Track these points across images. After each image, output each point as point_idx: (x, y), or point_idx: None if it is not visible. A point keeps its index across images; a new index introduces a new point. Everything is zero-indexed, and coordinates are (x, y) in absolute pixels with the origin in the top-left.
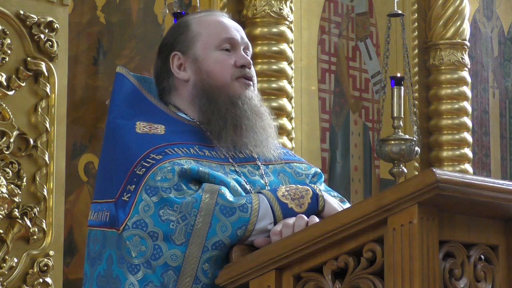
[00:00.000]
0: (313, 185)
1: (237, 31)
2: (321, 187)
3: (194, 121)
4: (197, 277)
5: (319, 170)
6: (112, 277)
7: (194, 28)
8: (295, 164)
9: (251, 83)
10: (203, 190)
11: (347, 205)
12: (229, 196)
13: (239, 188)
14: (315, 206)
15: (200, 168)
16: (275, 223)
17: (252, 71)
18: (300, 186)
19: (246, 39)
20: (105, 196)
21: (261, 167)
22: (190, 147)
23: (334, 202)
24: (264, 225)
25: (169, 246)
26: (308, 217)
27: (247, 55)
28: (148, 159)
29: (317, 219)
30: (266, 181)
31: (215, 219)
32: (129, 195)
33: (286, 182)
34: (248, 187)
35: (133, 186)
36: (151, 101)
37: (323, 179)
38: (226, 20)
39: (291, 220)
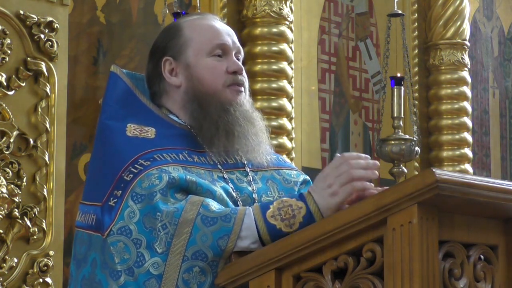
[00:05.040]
0: (311, 197)
1: (229, 36)
2: None
3: (186, 124)
4: (178, 287)
5: (308, 178)
6: (95, 281)
7: (186, 33)
8: (284, 170)
9: (243, 89)
10: (187, 201)
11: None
12: (213, 207)
13: (225, 197)
14: (308, 224)
15: (188, 177)
16: (262, 241)
17: (244, 77)
18: (294, 203)
19: (238, 44)
20: (93, 198)
21: (249, 174)
22: (180, 152)
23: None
24: (246, 244)
25: (152, 254)
26: None
27: (238, 59)
28: (136, 165)
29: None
30: (254, 188)
31: (196, 228)
32: (116, 200)
33: (275, 189)
34: (235, 194)
35: (120, 191)
36: (144, 102)
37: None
38: (218, 24)
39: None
